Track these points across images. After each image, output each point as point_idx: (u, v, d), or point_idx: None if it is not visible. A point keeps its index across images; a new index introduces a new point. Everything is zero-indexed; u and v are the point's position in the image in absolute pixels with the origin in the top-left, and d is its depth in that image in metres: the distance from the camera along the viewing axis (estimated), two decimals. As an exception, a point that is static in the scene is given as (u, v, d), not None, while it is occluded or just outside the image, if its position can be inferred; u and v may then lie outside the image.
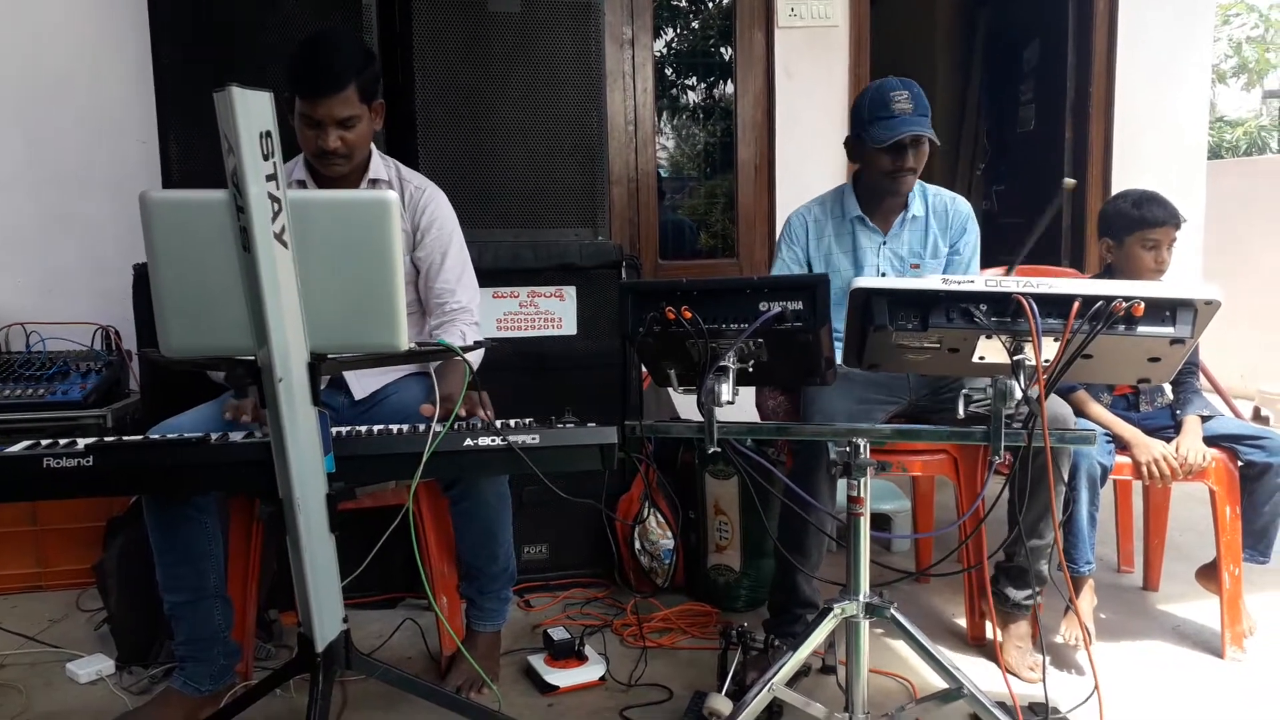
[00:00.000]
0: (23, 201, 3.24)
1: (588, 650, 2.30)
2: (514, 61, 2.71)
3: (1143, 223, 2.45)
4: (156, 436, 1.89)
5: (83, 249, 3.26)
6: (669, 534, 2.77)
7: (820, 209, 2.52)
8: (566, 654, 2.28)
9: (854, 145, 2.45)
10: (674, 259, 4.17)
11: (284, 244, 1.46)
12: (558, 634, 2.32)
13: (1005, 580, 2.34)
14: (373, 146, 2.26)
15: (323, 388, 1.65)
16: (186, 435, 1.84)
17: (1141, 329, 1.55)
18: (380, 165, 2.28)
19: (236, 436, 1.81)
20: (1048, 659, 2.19)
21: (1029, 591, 2.31)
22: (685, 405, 2.97)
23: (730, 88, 4.14)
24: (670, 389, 1.79)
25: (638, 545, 2.77)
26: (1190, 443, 2.35)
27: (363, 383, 2.30)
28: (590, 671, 2.26)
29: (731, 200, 4.12)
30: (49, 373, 2.86)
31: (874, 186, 2.45)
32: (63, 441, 1.75)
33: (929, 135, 2.31)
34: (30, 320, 3.12)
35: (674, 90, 4.71)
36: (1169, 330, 1.55)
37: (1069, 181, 2.38)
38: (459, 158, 2.71)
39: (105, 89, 3.22)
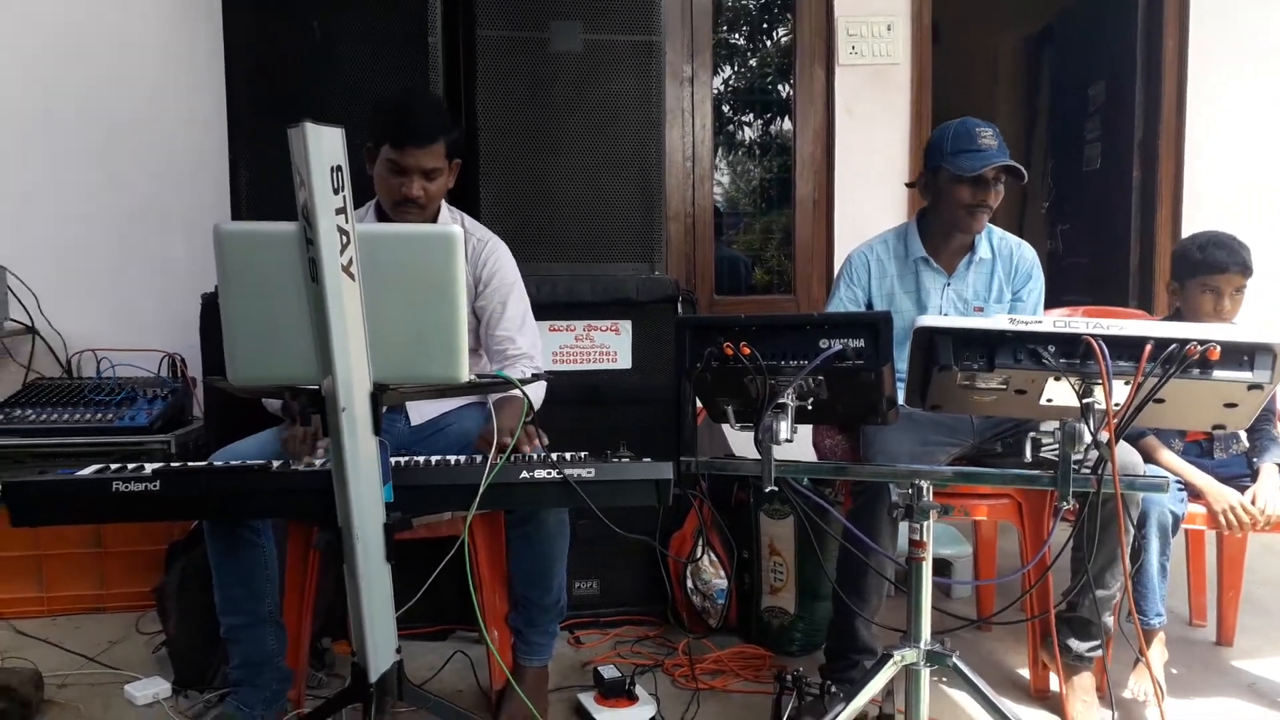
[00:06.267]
0: (101, 233, 3.36)
1: (638, 690, 2.27)
2: (575, 99, 2.75)
3: (1204, 266, 2.38)
4: (220, 463, 1.93)
5: (153, 279, 3.36)
6: (722, 574, 2.73)
7: (883, 248, 2.49)
8: (617, 693, 2.24)
9: (929, 180, 2.41)
10: (728, 294, 4.17)
11: (351, 276, 1.48)
12: (608, 672, 2.29)
13: (1068, 631, 2.25)
14: (443, 200, 2.33)
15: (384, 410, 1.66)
16: (250, 462, 1.87)
17: (1218, 373, 1.51)
18: (448, 216, 2.35)
19: (298, 465, 1.84)
20: (1116, 715, 2.10)
21: (1093, 643, 2.23)
22: (739, 442, 2.94)
23: (787, 124, 4.14)
24: (725, 425, 1.78)
25: (690, 584, 2.74)
26: (1268, 491, 2.26)
27: (421, 409, 2.33)
28: (641, 712, 2.22)
29: (788, 236, 4.11)
30: (117, 398, 2.93)
31: (944, 223, 2.40)
32: (131, 466, 1.80)
33: (1020, 167, 2.29)
34: (101, 347, 3.22)
35: (730, 126, 4.74)
36: (1247, 375, 1.50)
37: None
38: (520, 193, 2.74)
39: (181, 124, 3.33)
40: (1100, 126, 4.63)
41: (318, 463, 1.86)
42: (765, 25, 4.64)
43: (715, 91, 4.00)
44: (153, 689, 2.34)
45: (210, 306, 2.60)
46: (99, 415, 2.85)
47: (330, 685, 2.39)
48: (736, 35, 4.63)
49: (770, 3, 4.55)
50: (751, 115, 4.74)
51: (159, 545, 2.64)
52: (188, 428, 2.97)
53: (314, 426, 1.91)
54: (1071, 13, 5.08)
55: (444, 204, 2.34)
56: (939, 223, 2.43)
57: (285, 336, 1.52)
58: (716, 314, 3.83)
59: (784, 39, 4.33)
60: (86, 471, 1.77)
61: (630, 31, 2.75)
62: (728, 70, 4.64)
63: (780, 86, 4.44)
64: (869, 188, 3.85)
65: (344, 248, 1.46)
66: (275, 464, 1.84)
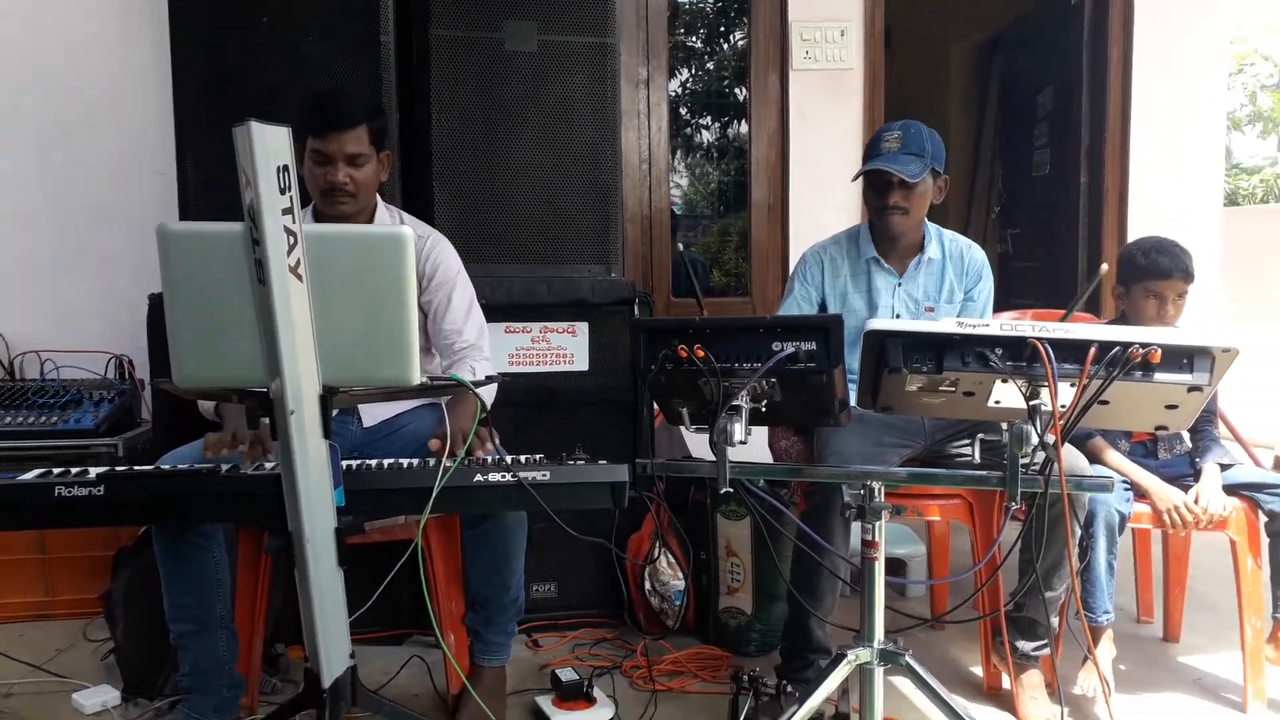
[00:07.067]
0: (43, 231, 3.29)
1: (596, 692, 2.27)
2: (530, 100, 2.74)
3: (1147, 272, 2.43)
4: (167, 467, 1.89)
5: (99, 279, 3.29)
6: (680, 575, 2.74)
7: (836, 248, 2.53)
8: (575, 696, 2.24)
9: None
10: (686, 296, 4.18)
11: (298, 277, 1.47)
12: (566, 675, 2.28)
13: (1014, 631, 2.28)
14: (378, 197, 2.30)
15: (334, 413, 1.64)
16: (197, 465, 1.84)
17: (1159, 376, 1.54)
18: (385, 214, 2.33)
19: (246, 468, 1.81)
20: (1066, 710, 2.14)
21: (1039, 643, 2.27)
22: (696, 444, 2.95)
23: (744, 128, 4.17)
24: (682, 427, 1.78)
25: (648, 586, 2.74)
26: (1209, 491, 2.31)
27: (373, 411, 2.31)
28: (599, 714, 2.22)
29: (744, 238, 4.14)
30: (62, 400, 2.87)
31: (875, 227, 2.47)
32: (74, 470, 1.76)
33: (891, 170, 2.29)
34: (45, 349, 3.14)
35: (688, 129, 4.75)
36: (1186, 377, 1.54)
37: (1104, 268, 2.35)
38: (474, 194, 2.72)
39: (125, 122, 3.26)
40: (1048, 133, 4.72)
41: (268, 465, 1.83)
42: (721, 29, 4.67)
43: (672, 94, 4.01)
44: (101, 697, 2.29)
45: (157, 308, 2.55)
46: (43, 418, 2.79)
47: (284, 691, 2.36)
48: (693, 38, 4.64)
49: (726, 7, 4.58)
50: (709, 118, 4.76)
51: (107, 550, 2.58)
52: (136, 431, 2.91)
53: (261, 430, 1.88)
54: (1021, 20, 5.18)
55: (380, 202, 2.32)
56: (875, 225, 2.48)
57: (232, 338, 1.50)
58: (672, 316, 3.84)
59: (740, 43, 4.36)
60: (28, 476, 1.73)
61: (585, 33, 2.74)
62: (684, 73, 4.65)
63: (736, 90, 4.46)
64: (823, 191, 3.89)
65: (291, 248, 1.44)
66: (224, 468, 1.81)
